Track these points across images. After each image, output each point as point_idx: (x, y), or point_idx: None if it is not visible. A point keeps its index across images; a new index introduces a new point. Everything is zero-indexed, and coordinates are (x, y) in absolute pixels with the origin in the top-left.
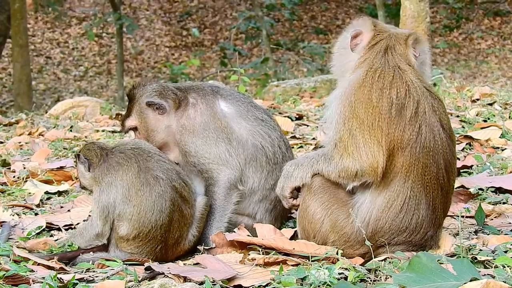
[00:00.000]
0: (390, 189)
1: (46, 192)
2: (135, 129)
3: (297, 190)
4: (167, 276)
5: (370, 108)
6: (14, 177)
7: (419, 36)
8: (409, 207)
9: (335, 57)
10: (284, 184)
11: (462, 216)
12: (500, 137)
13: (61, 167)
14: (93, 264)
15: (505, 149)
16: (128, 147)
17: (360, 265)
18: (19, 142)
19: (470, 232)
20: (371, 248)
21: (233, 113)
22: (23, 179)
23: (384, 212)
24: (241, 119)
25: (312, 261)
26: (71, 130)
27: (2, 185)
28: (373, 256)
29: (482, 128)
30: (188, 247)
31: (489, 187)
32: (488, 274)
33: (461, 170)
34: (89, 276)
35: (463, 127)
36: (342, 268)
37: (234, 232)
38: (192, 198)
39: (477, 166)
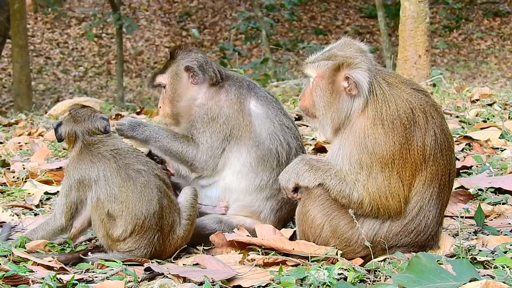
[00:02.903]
0: (410, 203)
1: (46, 193)
2: (163, 87)
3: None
4: (167, 276)
5: (389, 143)
6: (13, 177)
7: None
8: (423, 211)
9: (329, 110)
10: (291, 178)
11: (462, 217)
12: (499, 138)
13: (61, 168)
14: (93, 265)
15: (505, 149)
16: (108, 149)
17: (360, 265)
18: (19, 143)
19: (470, 233)
20: (371, 250)
21: (260, 113)
22: (22, 179)
23: (399, 222)
24: (266, 120)
25: (311, 261)
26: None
27: (1, 185)
28: (372, 257)
29: (481, 128)
30: (183, 234)
31: (488, 188)
32: (487, 275)
33: (461, 171)
34: (89, 277)
35: (462, 127)
36: (342, 268)
37: (234, 232)
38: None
39: (477, 166)
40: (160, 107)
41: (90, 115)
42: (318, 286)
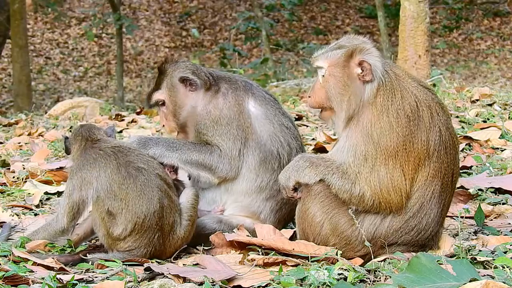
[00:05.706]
0: (411, 199)
1: (46, 193)
2: (162, 103)
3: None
4: (167, 276)
5: (393, 134)
6: (13, 177)
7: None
8: (424, 208)
9: (341, 93)
10: (291, 176)
11: (462, 217)
12: (499, 138)
13: (61, 168)
14: (93, 265)
15: (505, 149)
16: (109, 145)
17: (360, 265)
18: (19, 143)
19: (470, 233)
20: (371, 249)
21: (259, 114)
22: (22, 179)
23: (400, 217)
24: (266, 121)
25: (311, 261)
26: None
27: (1, 185)
28: (372, 257)
29: (481, 128)
30: (183, 234)
31: (488, 188)
32: (487, 275)
33: (461, 171)
34: (89, 277)
35: (462, 127)
36: (342, 268)
37: (234, 232)
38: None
39: (477, 166)
40: (163, 125)
41: (94, 125)
42: (318, 286)
